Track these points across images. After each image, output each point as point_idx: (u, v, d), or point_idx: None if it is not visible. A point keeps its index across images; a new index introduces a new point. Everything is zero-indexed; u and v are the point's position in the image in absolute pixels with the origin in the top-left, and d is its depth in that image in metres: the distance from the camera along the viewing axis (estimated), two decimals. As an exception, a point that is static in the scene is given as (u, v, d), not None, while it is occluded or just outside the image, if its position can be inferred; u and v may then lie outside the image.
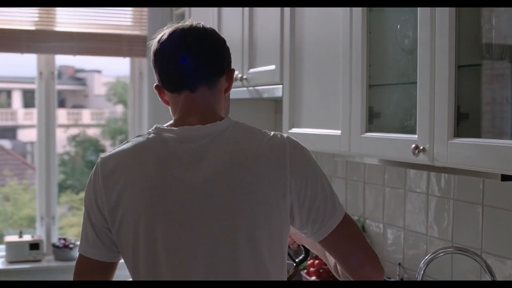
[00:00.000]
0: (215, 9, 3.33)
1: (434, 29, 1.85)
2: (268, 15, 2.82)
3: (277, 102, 3.61)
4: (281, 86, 2.72)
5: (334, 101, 2.35)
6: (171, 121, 1.63)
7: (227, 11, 3.24)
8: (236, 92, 3.12)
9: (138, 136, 1.61)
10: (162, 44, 1.64)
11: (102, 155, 1.62)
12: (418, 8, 1.91)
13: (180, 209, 1.50)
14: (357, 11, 2.19)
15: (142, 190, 1.52)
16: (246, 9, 3.00)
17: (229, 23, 3.22)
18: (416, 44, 1.96)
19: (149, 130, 1.60)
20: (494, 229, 2.16)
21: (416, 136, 1.93)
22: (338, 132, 2.32)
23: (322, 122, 2.44)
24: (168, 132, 1.57)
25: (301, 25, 2.58)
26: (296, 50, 2.62)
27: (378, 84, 2.21)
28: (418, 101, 1.92)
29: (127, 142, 1.60)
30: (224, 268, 1.50)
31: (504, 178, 1.79)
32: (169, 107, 1.69)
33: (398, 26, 2.16)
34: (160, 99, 1.70)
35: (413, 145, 1.90)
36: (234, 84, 3.05)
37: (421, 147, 1.88)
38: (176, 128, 1.57)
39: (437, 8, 1.83)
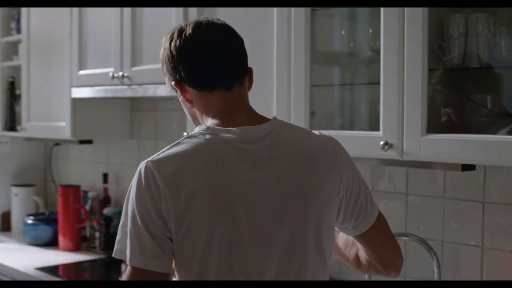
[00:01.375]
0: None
1: (403, 36, 2.02)
2: (156, 14, 2.78)
3: (133, 101, 3.52)
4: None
5: (265, 101, 2.41)
6: (216, 121, 1.56)
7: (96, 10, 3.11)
8: (116, 90, 3.01)
9: (190, 137, 1.52)
10: (189, 40, 1.57)
11: (151, 159, 1.49)
12: (383, 16, 2.07)
13: (254, 212, 1.47)
14: (300, 13, 2.27)
15: (213, 195, 1.44)
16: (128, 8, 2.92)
17: (100, 21, 3.10)
18: (359, 48, 2.13)
19: (201, 131, 1.52)
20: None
21: (380, 133, 2.09)
22: (271, 130, 2.38)
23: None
24: (227, 133, 1.51)
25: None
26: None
27: (320, 85, 2.33)
28: (384, 100, 2.08)
29: (179, 144, 1.50)
30: (294, 267, 1.50)
31: (464, 168, 2.05)
32: (189, 106, 1.63)
33: (343, 32, 2.31)
34: (181, 97, 1.63)
35: (382, 142, 2.06)
36: (110, 82, 2.99)
37: (390, 143, 2.05)
38: (235, 129, 1.52)
39: (406, 16, 2.01)
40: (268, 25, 2.38)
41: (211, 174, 1.45)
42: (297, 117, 2.29)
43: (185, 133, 2.69)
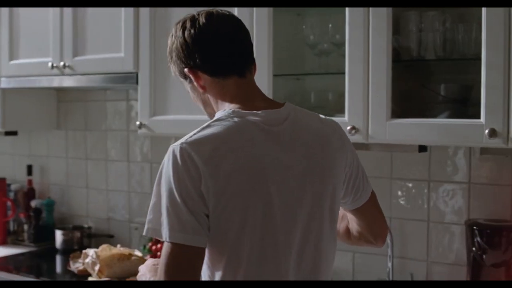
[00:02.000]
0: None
1: (368, 29, 2.22)
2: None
3: (60, 92, 3.48)
4: (134, 73, 2.75)
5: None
6: (236, 105, 1.66)
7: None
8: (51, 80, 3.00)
9: (219, 120, 1.61)
10: (203, 29, 1.65)
11: (183, 140, 1.56)
12: (348, 11, 2.25)
13: (283, 189, 1.59)
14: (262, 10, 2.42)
15: (248, 174, 1.55)
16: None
17: (34, 10, 3.06)
18: (320, 40, 2.32)
19: (227, 114, 1.62)
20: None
21: (346, 118, 2.28)
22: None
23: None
24: (253, 116, 1.62)
25: (163, 24, 2.67)
26: (158, 38, 2.69)
27: (281, 74, 2.49)
28: (349, 89, 2.27)
29: (209, 126, 1.58)
30: (313, 239, 1.64)
31: (421, 149, 2.30)
32: (200, 92, 1.72)
33: (304, 27, 2.48)
34: (190, 84, 1.71)
35: (349, 126, 2.25)
36: (48, 72, 2.98)
37: (356, 128, 2.25)
38: (259, 112, 1.63)
39: (371, 12, 2.21)
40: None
41: (245, 154, 1.56)
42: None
43: (138, 123, 2.75)
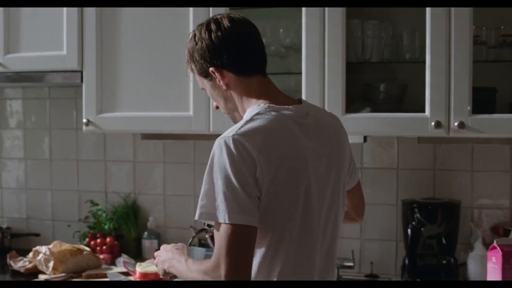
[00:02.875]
0: None
1: (323, 34, 2.51)
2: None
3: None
4: (78, 72, 2.79)
5: (182, 93, 2.68)
6: (265, 101, 1.83)
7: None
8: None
9: (259, 114, 1.77)
10: (229, 31, 1.82)
11: (234, 133, 1.71)
12: (304, 17, 2.52)
13: (317, 174, 1.81)
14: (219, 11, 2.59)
15: (294, 161, 1.76)
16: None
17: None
18: (272, 43, 2.59)
19: (264, 109, 1.78)
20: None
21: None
22: (189, 113, 2.68)
23: (160, 105, 2.72)
24: (285, 110, 1.82)
25: (109, 22, 2.76)
26: (106, 37, 2.76)
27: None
28: (306, 88, 2.54)
29: (253, 120, 1.74)
30: (332, 217, 1.88)
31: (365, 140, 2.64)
32: (223, 89, 1.87)
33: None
34: (219, 81, 1.86)
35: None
36: None
37: (314, 122, 2.52)
38: (290, 106, 1.84)
39: (327, 17, 2.49)
40: (184, 23, 2.66)
41: (289, 144, 1.78)
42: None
43: (84, 120, 2.80)
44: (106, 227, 3.02)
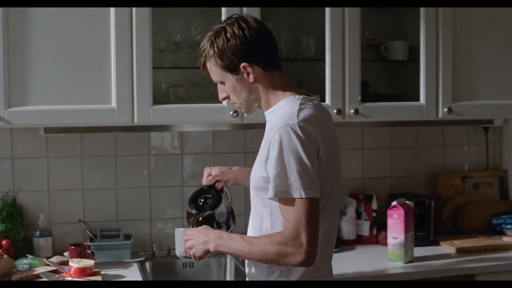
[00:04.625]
0: None
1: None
2: None
3: None
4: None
5: (104, 90, 2.70)
6: (292, 93, 2.09)
7: None
8: None
9: (303, 104, 2.03)
10: (259, 30, 2.07)
11: (297, 120, 1.96)
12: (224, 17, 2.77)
13: (339, 159, 2.17)
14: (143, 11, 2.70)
15: (336, 144, 2.10)
16: None
17: None
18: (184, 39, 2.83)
19: (302, 99, 2.04)
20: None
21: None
22: (112, 106, 2.71)
23: (80, 98, 2.69)
24: (315, 100, 2.12)
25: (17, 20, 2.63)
26: (13, 31, 2.61)
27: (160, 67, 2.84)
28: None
29: (303, 109, 2.01)
30: (337, 201, 2.21)
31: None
32: (250, 82, 2.08)
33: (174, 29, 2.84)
34: (252, 76, 2.07)
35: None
36: None
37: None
38: (315, 97, 2.16)
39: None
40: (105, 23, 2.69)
41: (331, 129, 2.11)
42: (142, 94, 2.71)
43: None
44: (-1, 229, 2.83)
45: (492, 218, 3.32)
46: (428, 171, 3.49)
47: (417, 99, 3.07)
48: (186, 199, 2.51)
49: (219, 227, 2.28)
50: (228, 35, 2.06)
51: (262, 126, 2.21)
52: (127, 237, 2.96)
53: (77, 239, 2.99)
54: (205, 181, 2.36)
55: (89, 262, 2.60)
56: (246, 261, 2.19)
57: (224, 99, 2.19)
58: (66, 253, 2.81)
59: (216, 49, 2.08)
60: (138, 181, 3.11)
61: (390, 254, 2.87)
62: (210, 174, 2.37)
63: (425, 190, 3.46)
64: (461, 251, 3.02)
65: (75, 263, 2.58)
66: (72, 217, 3.03)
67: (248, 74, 2.08)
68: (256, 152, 2.12)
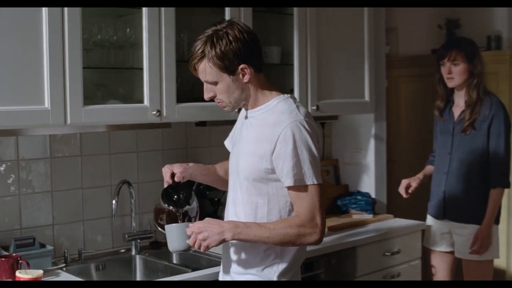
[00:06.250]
0: None
1: (159, 34, 2.87)
2: None
3: None
4: None
5: (36, 88, 2.57)
6: (277, 92, 2.30)
7: None
8: None
9: (294, 102, 2.27)
10: (251, 33, 2.26)
11: (300, 116, 2.19)
12: (145, 18, 2.82)
13: None
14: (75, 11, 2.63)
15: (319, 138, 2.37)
16: None
17: None
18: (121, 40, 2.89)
19: (290, 98, 2.27)
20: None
21: (147, 104, 2.85)
22: (45, 107, 2.59)
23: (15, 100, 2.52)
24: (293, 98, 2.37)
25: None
26: None
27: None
28: (149, 81, 2.85)
29: (298, 107, 2.24)
30: None
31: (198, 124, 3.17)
32: (243, 82, 2.23)
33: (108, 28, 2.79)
34: (248, 76, 2.22)
35: (155, 111, 2.85)
36: None
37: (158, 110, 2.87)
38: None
39: (163, 18, 2.87)
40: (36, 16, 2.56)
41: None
42: (74, 95, 2.65)
43: None
44: None
45: (335, 200, 3.85)
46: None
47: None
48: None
49: (189, 221, 2.37)
50: (231, 38, 2.18)
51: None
52: (42, 244, 2.82)
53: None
54: (168, 178, 2.39)
55: (38, 272, 2.45)
56: (232, 248, 2.32)
57: (210, 98, 2.29)
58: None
59: (218, 50, 2.17)
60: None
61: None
62: (172, 171, 2.43)
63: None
64: (332, 229, 3.42)
65: (24, 274, 2.42)
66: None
67: (243, 75, 2.22)
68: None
